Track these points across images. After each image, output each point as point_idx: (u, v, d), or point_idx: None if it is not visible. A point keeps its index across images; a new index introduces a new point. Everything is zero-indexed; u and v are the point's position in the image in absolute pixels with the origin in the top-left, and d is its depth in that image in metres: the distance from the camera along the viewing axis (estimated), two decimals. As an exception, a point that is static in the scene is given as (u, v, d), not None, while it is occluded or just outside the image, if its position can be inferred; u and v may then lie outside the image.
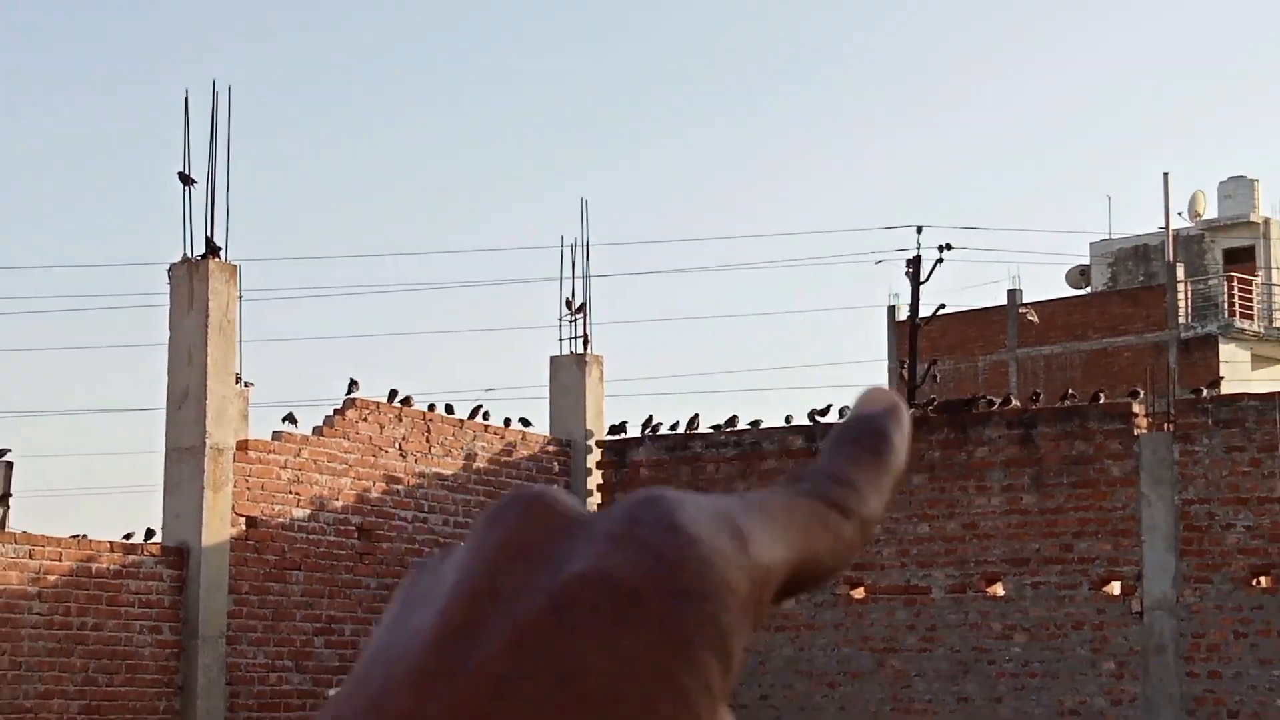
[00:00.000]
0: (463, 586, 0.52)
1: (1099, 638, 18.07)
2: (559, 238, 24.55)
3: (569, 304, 21.34)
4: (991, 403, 19.83)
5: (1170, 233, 41.92)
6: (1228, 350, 38.89)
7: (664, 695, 0.49)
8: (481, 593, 0.51)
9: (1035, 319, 38.25)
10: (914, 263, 33.10)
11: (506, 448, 20.09)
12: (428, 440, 19.20)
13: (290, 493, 17.63)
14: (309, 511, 17.80)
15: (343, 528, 18.14)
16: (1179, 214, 43.20)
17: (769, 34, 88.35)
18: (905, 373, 31.82)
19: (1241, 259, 42.76)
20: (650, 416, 20.83)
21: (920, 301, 33.06)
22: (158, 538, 17.02)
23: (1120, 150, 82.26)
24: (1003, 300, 41.41)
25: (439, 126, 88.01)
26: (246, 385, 17.61)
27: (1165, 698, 17.70)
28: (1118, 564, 18.11)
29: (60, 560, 15.95)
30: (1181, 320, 39.40)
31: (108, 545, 16.42)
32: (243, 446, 17.20)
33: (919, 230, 33.22)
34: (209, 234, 17.58)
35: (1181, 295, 39.70)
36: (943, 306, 33.40)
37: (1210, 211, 44.20)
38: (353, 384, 18.74)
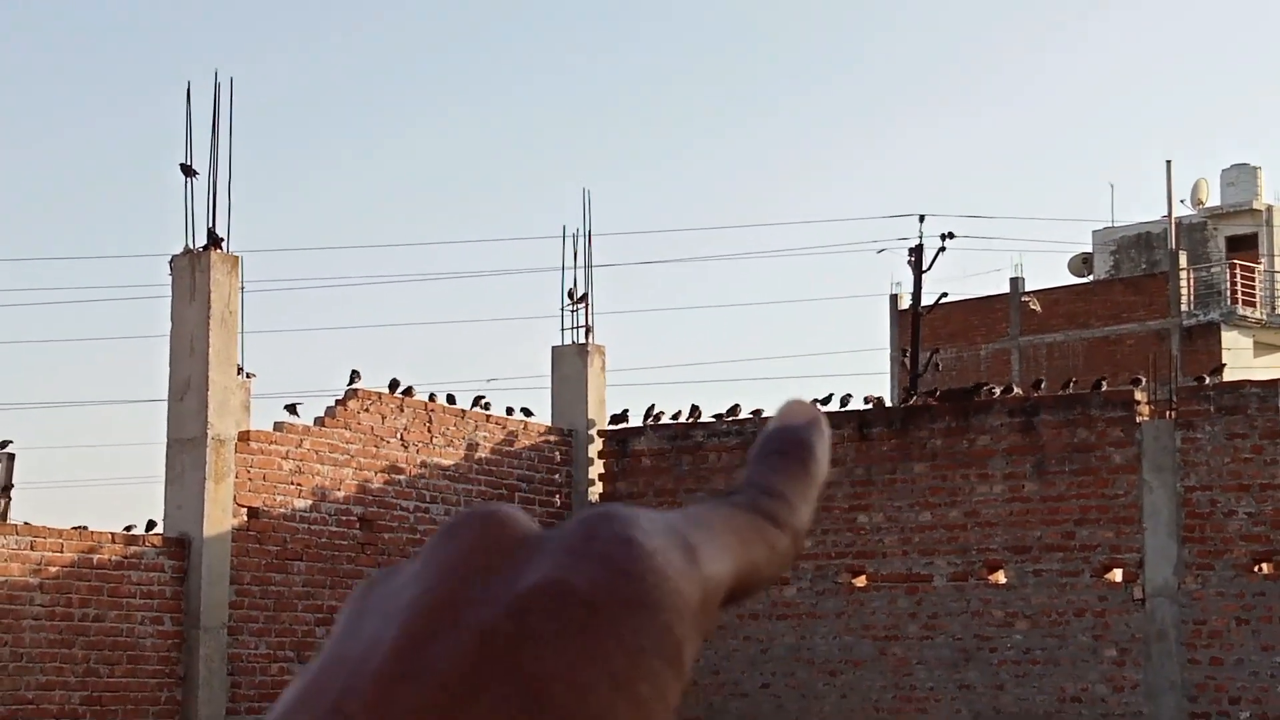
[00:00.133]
0: (423, 597, 0.53)
1: (1101, 625, 18.08)
2: (561, 228, 24.62)
3: (571, 294, 21.34)
4: (993, 391, 19.83)
5: (1173, 220, 41.89)
6: (1230, 338, 38.87)
7: (621, 702, 0.51)
8: (442, 602, 0.52)
9: (1038, 308, 38.24)
10: (916, 251, 33.14)
11: (508, 438, 20.09)
12: (429, 430, 19.20)
13: (292, 483, 17.64)
14: (311, 502, 17.81)
15: (344, 518, 18.15)
16: (1182, 201, 43.19)
17: (772, 26, 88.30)
18: (908, 361, 31.84)
19: (1244, 246, 42.72)
20: (652, 406, 20.84)
21: (923, 290, 33.10)
22: (159, 529, 17.03)
23: (1123, 138, 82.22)
24: (1005, 288, 41.40)
25: (441, 117, 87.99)
26: (248, 376, 17.61)
27: (1167, 684, 17.70)
28: (1119, 551, 18.11)
29: (62, 551, 15.96)
30: (1184, 308, 39.38)
31: (109, 536, 16.43)
32: (244, 437, 17.21)
33: (921, 219, 33.26)
34: (211, 225, 17.58)
35: (1184, 283, 39.68)
36: (945, 295, 33.46)
37: (1213, 199, 44.16)
38: (354, 374, 18.75)
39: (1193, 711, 17.60)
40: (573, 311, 21.28)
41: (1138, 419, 18.23)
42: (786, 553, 0.58)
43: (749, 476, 0.59)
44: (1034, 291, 40.10)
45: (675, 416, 20.65)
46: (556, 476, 20.58)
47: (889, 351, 41.02)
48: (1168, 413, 18.30)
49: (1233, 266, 40.97)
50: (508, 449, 20.05)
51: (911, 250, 33.29)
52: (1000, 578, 18.63)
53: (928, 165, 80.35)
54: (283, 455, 17.61)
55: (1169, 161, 41.94)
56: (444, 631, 0.51)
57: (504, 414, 20.21)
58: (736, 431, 20.16)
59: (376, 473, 18.53)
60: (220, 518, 16.86)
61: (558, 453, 20.65)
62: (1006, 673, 18.43)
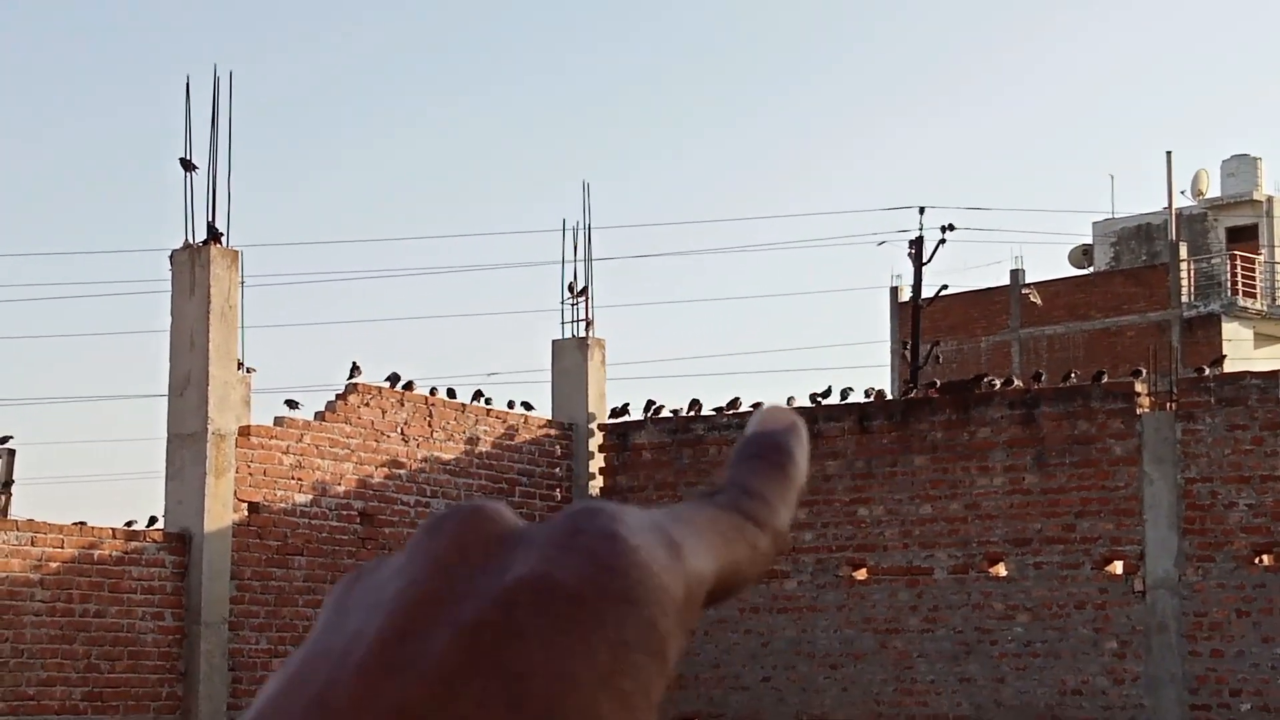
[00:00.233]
0: (407, 590, 0.53)
1: (1101, 617, 18.09)
2: (561, 221, 24.60)
3: (571, 287, 21.34)
4: (993, 383, 19.83)
5: (1173, 212, 41.86)
6: (1230, 329, 38.86)
7: (605, 697, 0.51)
8: (427, 596, 0.52)
9: (1038, 301, 38.24)
10: (916, 243, 33.14)
11: (508, 431, 20.09)
12: (430, 425, 19.20)
13: (292, 478, 17.64)
14: (311, 497, 17.81)
15: (345, 513, 18.15)
16: (1182, 193, 43.17)
17: (770, 19, 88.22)
18: (908, 354, 31.85)
19: (1244, 237, 42.70)
20: (651, 401, 20.82)
21: (923, 282, 33.11)
22: (160, 524, 17.03)
23: (1123, 129, 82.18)
24: (1005, 280, 41.38)
25: (441, 111, 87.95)
26: (248, 371, 17.61)
27: (1167, 676, 17.71)
28: (1120, 543, 18.12)
29: (62, 547, 15.97)
30: (1184, 299, 39.37)
31: (110, 532, 16.43)
32: (245, 432, 17.21)
33: (921, 211, 33.27)
34: (210, 220, 17.58)
35: (1184, 274, 39.66)
36: (945, 287, 33.46)
37: (1213, 190, 44.13)
38: (354, 369, 18.74)
39: (1193, 704, 17.61)
40: (573, 305, 21.29)
41: (1138, 411, 18.23)
42: (767, 552, 0.58)
43: (729, 478, 0.60)
44: (1034, 283, 40.09)
45: (675, 412, 20.64)
46: (557, 470, 20.59)
47: (889, 344, 41.01)
48: (1168, 404, 18.30)
49: (1233, 258, 40.96)
50: (508, 443, 20.05)
51: (911, 242, 33.30)
52: (1001, 570, 18.63)
53: (927, 157, 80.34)
54: (283, 450, 17.61)
55: (1169, 152, 41.96)
56: (429, 625, 0.51)
57: (504, 408, 20.21)
58: (737, 425, 20.15)
59: (377, 467, 18.54)
60: (221, 513, 16.87)
61: (558, 447, 20.65)
62: (1007, 665, 18.43)
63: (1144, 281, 40.03)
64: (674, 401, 21.06)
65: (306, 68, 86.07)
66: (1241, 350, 37.01)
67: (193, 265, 17.20)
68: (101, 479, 63.33)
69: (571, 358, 21.05)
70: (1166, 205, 42.17)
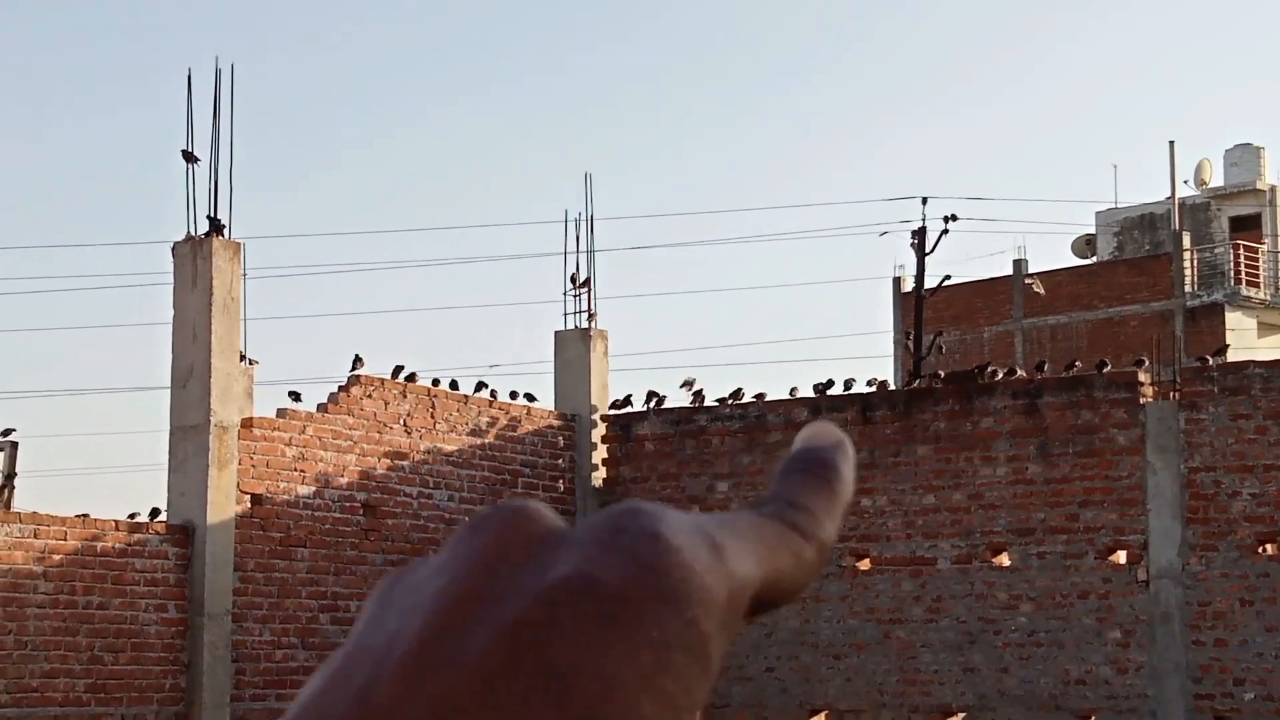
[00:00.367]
0: (448, 588, 0.53)
1: (1105, 607, 18.08)
2: (563, 212, 24.54)
3: (573, 279, 21.32)
4: (995, 372, 19.81)
5: (1176, 201, 41.82)
6: (1234, 318, 38.83)
7: (647, 697, 0.51)
8: (468, 594, 0.53)
9: (1041, 290, 38.20)
10: (919, 234, 33.09)
11: (511, 423, 20.08)
12: (432, 416, 19.20)
13: (295, 470, 17.64)
14: (314, 488, 17.81)
15: (348, 504, 18.15)
16: (1185, 182, 43.11)
17: (774, 10, 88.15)
18: (911, 344, 31.81)
19: (1248, 227, 42.65)
20: (654, 392, 20.82)
21: (926, 272, 33.07)
22: (163, 516, 17.04)
23: (1126, 119, 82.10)
24: (1008, 270, 41.35)
25: (444, 102, 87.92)
26: (251, 363, 17.61)
27: (1171, 666, 17.70)
28: (1123, 533, 18.11)
29: (65, 539, 15.97)
30: (1187, 289, 39.33)
31: (113, 524, 16.44)
32: (247, 424, 17.21)
33: (924, 201, 33.21)
34: (212, 212, 17.58)
35: (1187, 264, 39.62)
36: (948, 277, 33.41)
37: (1216, 179, 44.08)
38: (357, 360, 18.74)
39: (1197, 693, 17.60)
40: (575, 296, 21.28)
41: (1141, 400, 18.21)
42: (812, 563, 0.58)
43: (774, 491, 0.60)
44: (1037, 273, 40.05)
45: (693, 386, 20.55)
46: (560, 462, 20.58)
47: (892, 334, 40.99)
48: (1171, 394, 18.28)
49: (1236, 247, 40.91)
50: (511, 434, 20.05)
51: (914, 233, 33.25)
52: (1004, 560, 18.62)
53: (930, 147, 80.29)
54: (286, 442, 17.61)
55: (1172, 142, 41.90)
56: (470, 623, 0.52)
57: (507, 399, 20.21)
58: (739, 415, 20.14)
59: (380, 459, 18.53)
60: (223, 504, 16.87)
61: (561, 438, 20.65)
62: (1011, 655, 18.43)
63: (1147, 271, 39.99)
64: (676, 392, 21.04)
65: (309, 60, 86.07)
66: (1245, 340, 36.98)
67: (195, 257, 17.19)
68: (104, 471, 63.35)
69: (574, 349, 21.04)
70: (1169, 195, 42.12)
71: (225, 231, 17.46)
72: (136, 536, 16.49)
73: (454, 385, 19.70)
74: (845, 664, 19.17)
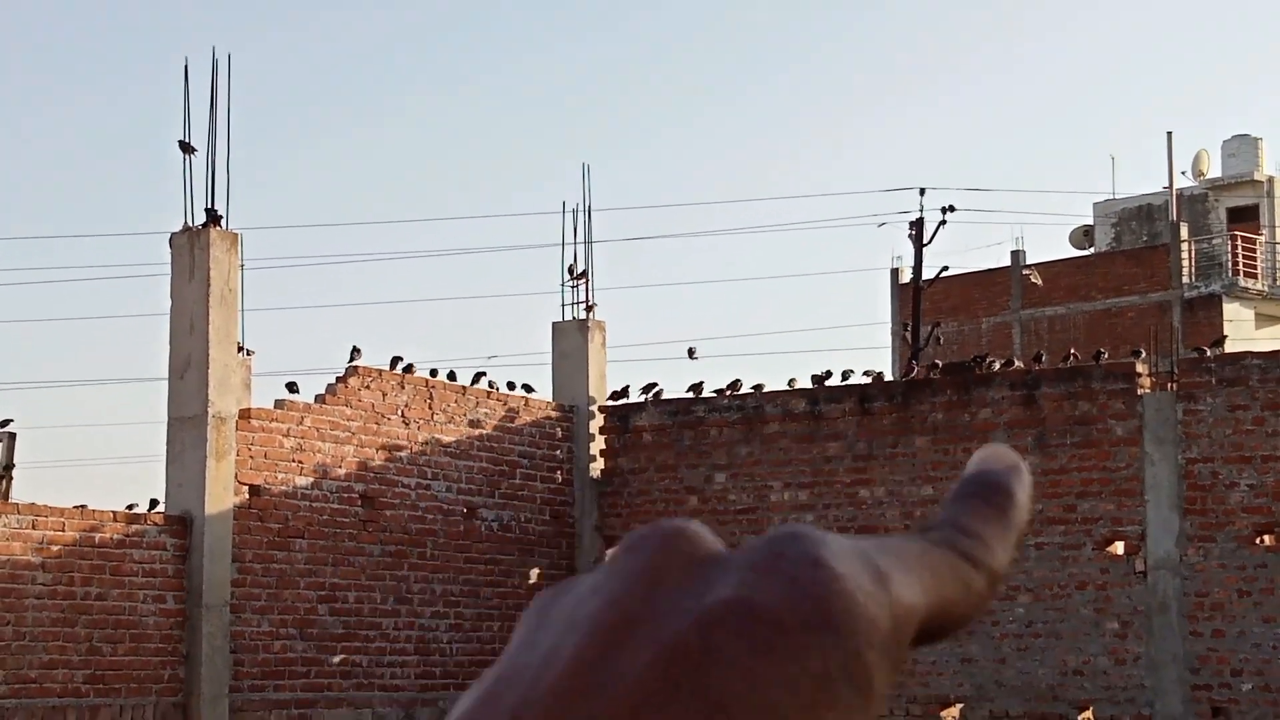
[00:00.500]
0: (605, 609, 0.52)
1: (1102, 598, 18.09)
2: (561, 203, 24.59)
3: (571, 270, 21.32)
4: (993, 363, 19.81)
5: (1174, 192, 41.81)
6: (1231, 309, 38.83)
7: None
8: (625, 616, 0.52)
9: (1039, 281, 38.20)
10: (917, 225, 33.09)
11: (509, 414, 20.08)
12: (430, 407, 19.19)
13: (293, 461, 17.63)
14: (312, 479, 17.81)
15: (346, 495, 18.15)
16: (1183, 173, 43.11)
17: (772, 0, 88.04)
18: (908, 335, 31.83)
19: (1245, 218, 42.65)
20: (653, 384, 20.81)
21: (923, 264, 33.07)
22: (161, 507, 17.03)
23: (1124, 110, 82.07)
24: (1006, 261, 41.34)
25: (441, 93, 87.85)
26: (248, 354, 17.60)
27: (1169, 657, 17.72)
28: (1121, 524, 18.12)
29: (64, 530, 15.97)
30: (1185, 280, 39.33)
31: (111, 515, 16.43)
32: (245, 415, 17.21)
33: (922, 192, 33.21)
34: (210, 203, 17.56)
35: (1185, 255, 39.62)
36: (946, 268, 33.43)
37: (1214, 170, 44.08)
38: (355, 351, 18.72)
39: (1194, 684, 17.62)
40: (573, 287, 21.28)
41: (1139, 391, 18.22)
42: (982, 593, 0.57)
43: (945, 516, 0.59)
44: (1035, 264, 40.05)
45: (694, 354, 20.60)
46: (558, 452, 20.58)
47: (890, 325, 40.99)
48: (1169, 385, 18.29)
49: (1234, 238, 40.91)
50: (509, 425, 20.04)
51: (912, 224, 33.26)
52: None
53: (928, 138, 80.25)
54: (284, 433, 17.61)
55: (1170, 133, 41.90)
56: (627, 645, 0.51)
57: (505, 390, 20.20)
58: (738, 406, 20.15)
59: (377, 450, 18.53)
60: (222, 495, 16.86)
61: (559, 429, 20.65)
62: (1008, 646, 18.44)
63: (1145, 262, 39.99)
64: (674, 383, 21.05)
65: (307, 51, 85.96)
66: (1242, 330, 36.98)
67: (192, 248, 17.18)
68: (102, 462, 63.37)
69: (572, 340, 21.04)
70: (1167, 186, 42.11)
71: (223, 222, 17.45)
72: (134, 527, 16.49)
73: (452, 376, 19.70)
74: (843, 655, 19.17)
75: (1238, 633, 17.50)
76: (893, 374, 29.20)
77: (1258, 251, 41.02)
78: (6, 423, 19.66)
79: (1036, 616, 18.36)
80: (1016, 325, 40.51)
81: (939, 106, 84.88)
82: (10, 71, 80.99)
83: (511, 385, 20.36)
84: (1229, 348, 22.28)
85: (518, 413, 20.18)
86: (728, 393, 20.32)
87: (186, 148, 17.92)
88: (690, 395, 20.54)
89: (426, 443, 19.05)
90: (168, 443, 17.05)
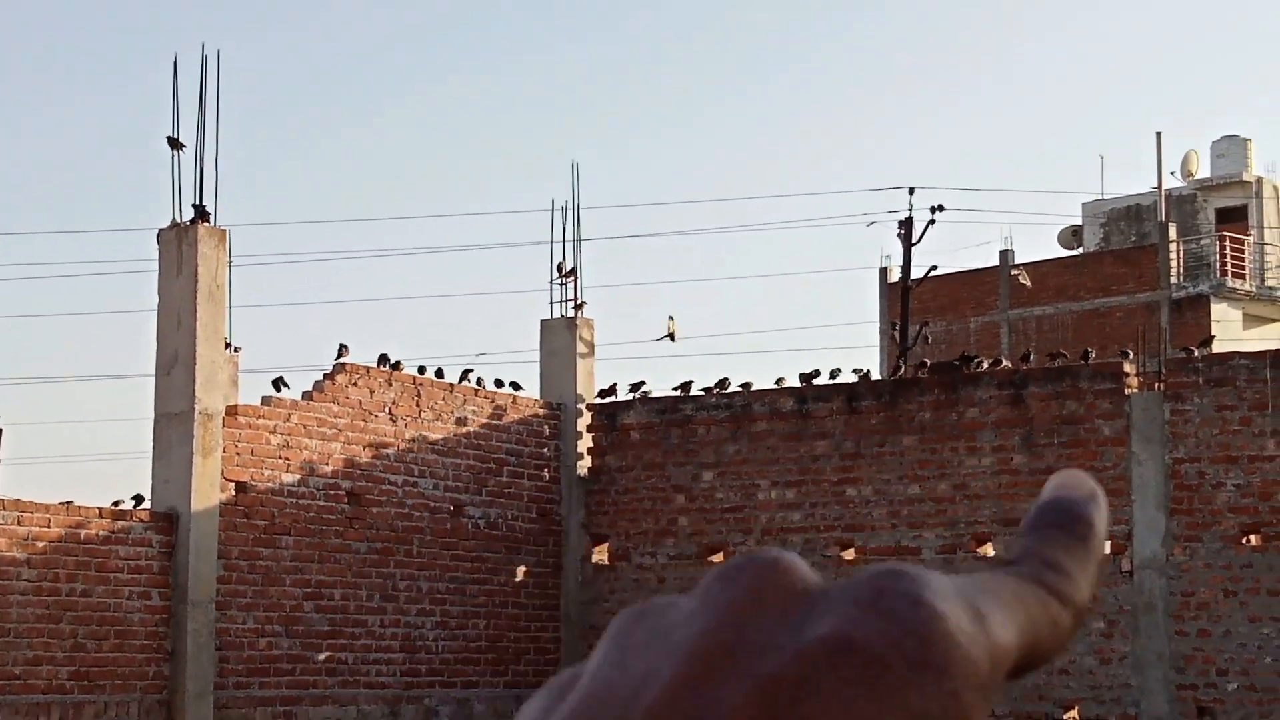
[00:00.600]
0: (701, 638, 0.52)
1: (1089, 597, 18.09)
2: (549, 201, 24.58)
3: (559, 267, 21.31)
4: (981, 362, 19.82)
5: (1163, 192, 41.87)
6: (1219, 310, 38.89)
7: None
8: (722, 646, 0.51)
9: (1027, 282, 38.22)
10: (906, 224, 33.09)
11: (496, 412, 20.06)
12: (418, 404, 19.17)
13: (280, 458, 17.61)
14: (298, 476, 17.78)
15: (332, 493, 18.12)
16: (1171, 174, 43.17)
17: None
18: (897, 334, 31.83)
19: (1234, 218, 42.70)
20: (641, 382, 20.81)
21: (912, 263, 33.07)
22: (147, 503, 17.00)
23: (1113, 110, 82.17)
24: (995, 261, 41.38)
25: (429, 90, 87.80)
26: (235, 350, 17.57)
27: (1155, 656, 17.74)
28: (1108, 523, 18.10)
29: (49, 526, 15.93)
30: (1174, 280, 39.38)
31: (97, 511, 16.40)
32: (232, 412, 17.18)
33: (911, 191, 33.20)
34: (198, 199, 17.53)
35: (1174, 255, 39.67)
36: (934, 268, 33.42)
37: (1203, 171, 44.14)
38: (342, 348, 18.70)
39: (1180, 683, 17.64)
40: (561, 285, 21.26)
41: (1126, 391, 18.24)
42: (1068, 629, 0.57)
43: (1028, 547, 0.58)
44: (1023, 264, 40.07)
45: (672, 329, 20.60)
46: (545, 450, 20.56)
47: (878, 324, 41.00)
48: (1156, 385, 18.30)
49: (1222, 238, 40.98)
50: (496, 423, 20.03)
51: (901, 223, 33.26)
52: (989, 550, 18.65)
53: (918, 138, 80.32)
54: (270, 430, 17.58)
55: (1159, 133, 41.98)
56: (723, 675, 0.50)
57: (493, 388, 20.18)
58: (725, 405, 20.14)
59: (364, 447, 18.51)
60: (208, 492, 16.84)
61: (546, 426, 20.63)
62: (995, 645, 18.45)
63: (1133, 262, 40.04)
64: (662, 382, 21.04)
65: (296, 47, 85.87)
66: (1230, 331, 37.03)
67: (180, 244, 17.15)
68: (88, 458, 63.27)
69: (560, 338, 21.02)
70: (1156, 186, 42.16)
71: (211, 218, 17.42)
72: (120, 524, 16.46)
73: (439, 373, 19.68)
74: (830, 653, 19.17)
75: (1223, 632, 17.53)
76: (881, 373, 29.22)
77: (1246, 252, 41.08)
78: (-8, 418, 19.60)
79: (1023, 616, 18.37)
80: (1005, 325, 40.54)
81: (929, 106, 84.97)
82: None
83: (499, 383, 20.35)
84: (1216, 348, 22.28)
85: (505, 410, 20.17)
86: (715, 391, 20.32)
87: (175, 144, 17.90)
88: (678, 394, 20.53)
89: (413, 440, 19.03)
90: (154, 439, 17.02)
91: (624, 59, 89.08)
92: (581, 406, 20.82)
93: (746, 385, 20.28)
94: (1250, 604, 17.45)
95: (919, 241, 33.09)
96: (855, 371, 20.25)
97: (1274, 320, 41.02)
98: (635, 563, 20.16)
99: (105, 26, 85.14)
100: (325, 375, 18.41)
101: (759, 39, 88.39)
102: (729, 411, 20.08)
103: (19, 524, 15.73)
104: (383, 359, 19.07)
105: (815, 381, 20.00)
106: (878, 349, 40.03)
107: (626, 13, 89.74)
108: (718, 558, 19.64)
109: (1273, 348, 19.20)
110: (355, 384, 18.55)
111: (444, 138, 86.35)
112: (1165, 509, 17.89)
